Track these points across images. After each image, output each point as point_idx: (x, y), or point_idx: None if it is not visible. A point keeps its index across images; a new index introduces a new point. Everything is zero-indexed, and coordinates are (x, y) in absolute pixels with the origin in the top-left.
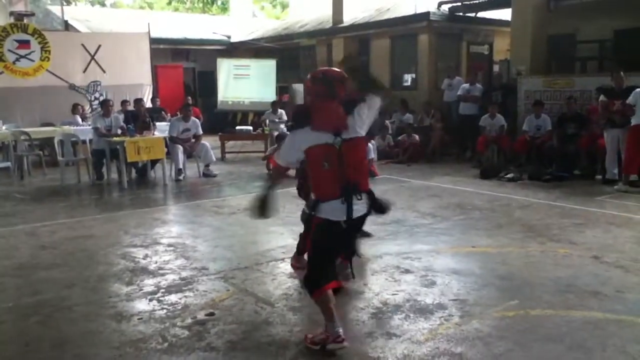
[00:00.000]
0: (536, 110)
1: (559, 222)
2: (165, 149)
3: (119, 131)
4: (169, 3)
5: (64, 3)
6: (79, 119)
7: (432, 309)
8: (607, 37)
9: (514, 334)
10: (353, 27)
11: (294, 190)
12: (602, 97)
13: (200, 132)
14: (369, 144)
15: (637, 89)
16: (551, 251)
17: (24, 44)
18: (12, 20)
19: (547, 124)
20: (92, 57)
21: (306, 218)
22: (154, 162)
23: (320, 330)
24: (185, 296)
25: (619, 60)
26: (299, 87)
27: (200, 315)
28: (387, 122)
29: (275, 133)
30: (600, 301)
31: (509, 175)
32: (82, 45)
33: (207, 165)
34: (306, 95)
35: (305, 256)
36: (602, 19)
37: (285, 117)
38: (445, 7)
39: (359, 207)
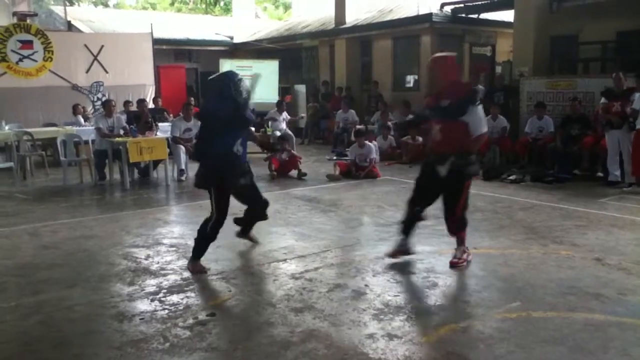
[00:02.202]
0: (538, 112)
1: (561, 224)
2: (168, 150)
3: (122, 132)
4: (172, 4)
5: (67, 3)
6: (82, 119)
7: (433, 311)
8: (610, 39)
9: (516, 335)
10: (355, 28)
11: (295, 191)
12: (602, 100)
13: None
14: (372, 145)
15: (638, 93)
16: (553, 253)
17: (27, 44)
18: (15, 20)
19: (549, 126)
20: (95, 58)
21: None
22: (156, 163)
23: (460, 252)
24: (187, 296)
25: (621, 62)
26: (301, 88)
27: (202, 316)
28: (390, 123)
29: (278, 133)
30: (602, 303)
31: (511, 177)
32: (85, 45)
33: None
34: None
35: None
36: (605, 20)
37: (288, 118)
38: (447, 9)
39: None
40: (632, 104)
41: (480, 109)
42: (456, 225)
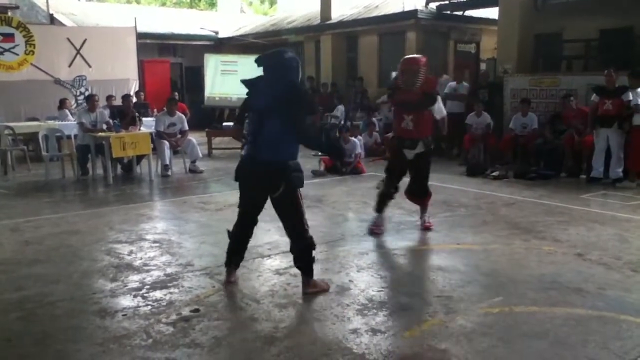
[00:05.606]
0: (522, 109)
1: (544, 220)
2: (152, 145)
3: (105, 126)
4: None
5: None
6: (69, 114)
7: (417, 306)
8: (593, 37)
9: (498, 330)
10: (341, 24)
11: None
12: (593, 97)
13: (186, 127)
14: (356, 140)
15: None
16: (535, 248)
17: (8, 37)
18: None
19: (533, 122)
20: (78, 52)
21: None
22: (139, 158)
23: (428, 217)
24: (170, 292)
25: (604, 60)
26: None
27: (185, 312)
28: (374, 119)
29: None
30: (582, 298)
31: (494, 173)
32: (68, 39)
33: (193, 161)
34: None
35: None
36: (588, 18)
37: None
38: (432, 5)
39: None
40: (630, 101)
41: (439, 97)
42: (427, 195)
